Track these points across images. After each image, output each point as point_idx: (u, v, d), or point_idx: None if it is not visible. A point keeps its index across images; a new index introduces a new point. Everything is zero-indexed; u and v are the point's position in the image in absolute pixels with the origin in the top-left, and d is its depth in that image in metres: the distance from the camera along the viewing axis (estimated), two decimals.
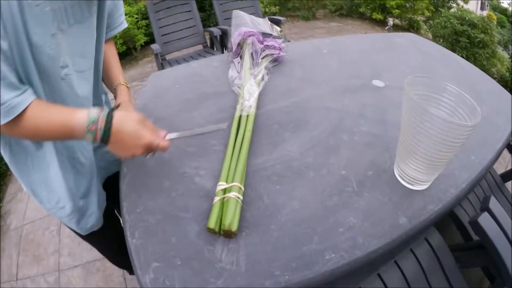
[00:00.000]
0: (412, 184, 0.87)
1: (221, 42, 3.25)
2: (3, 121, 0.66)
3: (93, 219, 1.07)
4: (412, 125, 0.77)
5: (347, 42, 1.86)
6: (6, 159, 0.91)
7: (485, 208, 0.99)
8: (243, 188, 0.84)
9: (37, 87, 0.74)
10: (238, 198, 0.79)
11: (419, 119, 0.74)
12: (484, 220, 0.94)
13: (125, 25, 1.07)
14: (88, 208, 1.05)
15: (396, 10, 7.11)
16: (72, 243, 2.12)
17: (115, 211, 1.29)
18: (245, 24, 1.54)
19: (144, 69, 4.32)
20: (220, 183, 0.84)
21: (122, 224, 0.81)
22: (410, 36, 2.02)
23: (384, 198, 0.85)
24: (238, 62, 1.39)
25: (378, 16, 7.23)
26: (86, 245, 1.10)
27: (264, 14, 3.96)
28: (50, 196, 0.96)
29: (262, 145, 1.01)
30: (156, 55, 2.95)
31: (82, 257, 2.02)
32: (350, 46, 1.78)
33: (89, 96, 0.92)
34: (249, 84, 1.20)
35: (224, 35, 3.14)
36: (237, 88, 1.25)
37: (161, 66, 3.00)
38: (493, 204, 1.00)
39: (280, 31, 1.59)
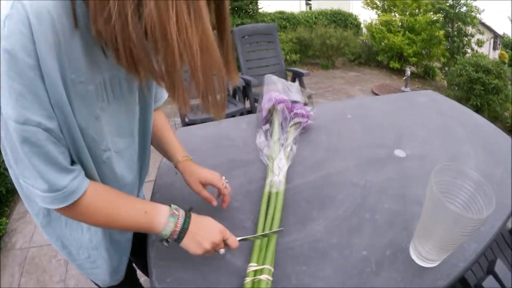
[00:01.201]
0: (424, 262, 0.93)
1: (243, 93, 3.34)
2: (61, 206, 0.68)
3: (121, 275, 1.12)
4: (431, 213, 0.83)
5: (371, 104, 1.95)
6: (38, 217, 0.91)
7: (490, 271, 1.02)
8: (273, 270, 0.90)
9: (88, 168, 0.74)
10: (269, 280, 0.86)
11: (436, 209, 0.80)
12: (488, 283, 0.98)
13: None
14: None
15: (413, 58, 7.21)
16: (80, 276, 2.13)
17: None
18: (276, 89, 1.62)
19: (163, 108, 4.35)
20: (251, 264, 0.90)
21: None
22: (430, 94, 2.10)
23: (398, 276, 0.90)
24: (267, 129, 1.47)
25: (395, 64, 7.37)
26: None
27: (285, 62, 4.06)
28: (80, 251, 0.97)
29: (290, 224, 1.07)
30: None
31: None
32: (373, 109, 1.86)
33: (129, 174, 0.93)
34: (278, 158, 1.27)
35: (247, 86, 3.24)
36: (265, 159, 1.32)
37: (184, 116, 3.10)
38: (499, 267, 1.03)
39: (309, 96, 1.67)
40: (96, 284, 1.14)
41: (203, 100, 0.63)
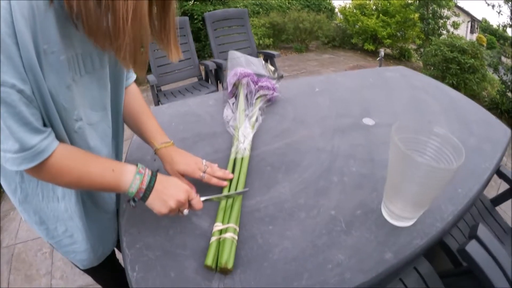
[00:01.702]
0: (398, 221, 0.93)
1: (215, 76, 3.34)
2: (31, 165, 0.70)
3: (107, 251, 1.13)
4: (399, 170, 0.83)
5: (339, 79, 1.95)
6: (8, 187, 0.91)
7: (473, 236, 1.01)
8: (238, 229, 0.91)
9: (60, 136, 0.77)
10: (234, 238, 0.86)
11: (405, 165, 0.80)
12: (472, 247, 0.97)
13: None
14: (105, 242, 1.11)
15: (388, 40, 7.25)
16: (65, 267, 2.14)
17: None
18: (240, 64, 1.63)
19: None
20: (216, 223, 0.91)
21: (122, 259, 0.87)
22: (400, 69, 2.11)
23: (370, 236, 0.90)
24: (233, 103, 1.47)
25: (369, 46, 7.40)
26: (79, 269, 1.14)
27: (258, 46, 4.08)
28: (58, 224, 0.97)
29: (256, 187, 1.08)
30: (152, 86, 3.03)
31: (75, 281, 2.04)
32: (342, 84, 1.88)
33: (102, 147, 0.94)
34: (243, 127, 1.28)
35: (219, 68, 3.25)
36: (232, 130, 1.32)
37: (157, 97, 3.08)
38: (481, 231, 1.02)
39: (274, 70, 1.68)
40: (78, 267, 1.14)
41: (130, 59, 0.71)
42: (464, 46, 5.54)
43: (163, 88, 3.38)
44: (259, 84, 1.54)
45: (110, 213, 1.10)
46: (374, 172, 1.14)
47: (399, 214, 0.91)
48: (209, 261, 0.81)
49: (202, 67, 3.52)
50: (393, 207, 0.92)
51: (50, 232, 0.99)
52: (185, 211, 0.88)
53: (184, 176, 1.01)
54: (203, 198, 0.93)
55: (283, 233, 0.92)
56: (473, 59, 5.44)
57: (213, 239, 0.86)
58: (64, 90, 0.72)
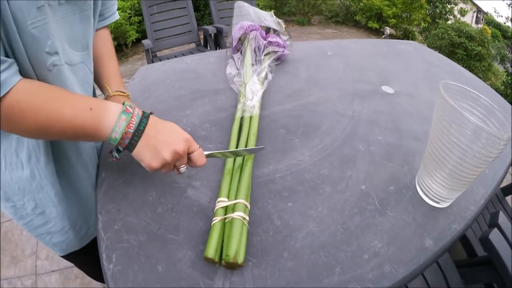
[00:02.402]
0: (436, 202, 0.77)
1: (215, 41, 3.13)
2: None
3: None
4: (446, 132, 0.67)
5: (351, 45, 1.75)
6: None
7: (494, 224, 0.98)
8: (249, 206, 0.69)
9: (28, 74, 0.60)
10: (244, 219, 0.64)
11: (455, 127, 0.65)
12: (494, 236, 0.93)
13: (117, 16, 0.92)
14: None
15: (393, 19, 7.12)
16: None
17: None
18: (247, 16, 1.39)
19: (133, 66, 4.19)
20: (220, 198, 0.69)
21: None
22: (413, 44, 1.94)
23: (408, 217, 0.74)
24: (238, 58, 1.25)
25: (374, 25, 7.24)
26: None
27: None
28: (25, 199, 0.79)
29: (269, 153, 0.87)
30: (147, 50, 2.85)
31: (60, 262, 1.90)
32: (354, 50, 1.67)
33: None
34: (251, 82, 1.06)
35: (219, 33, 3.03)
36: (237, 86, 1.11)
37: (152, 63, 2.86)
38: (502, 219, 1.00)
39: (286, 27, 1.45)
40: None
41: None
42: (472, 33, 5.50)
43: (159, 53, 3.16)
44: (269, 39, 1.32)
45: (94, 167, 0.89)
46: (402, 143, 0.96)
47: (436, 191, 0.76)
48: (211, 252, 0.59)
49: (201, 33, 3.28)
50: (431, 181, 0.76)
51: (18, 211, 0.81)
52: (182, 168, 0.68)
53: None
54: (206, 153, 0.71)
55: (307, 211, 0.71)
56: (480, 47, 5.34)
57: (216, 220, 0.64)
58: (35, 12, 0.55)
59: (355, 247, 0.66)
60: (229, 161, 0.78)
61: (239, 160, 0.79)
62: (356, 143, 0.93)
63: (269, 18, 1.41)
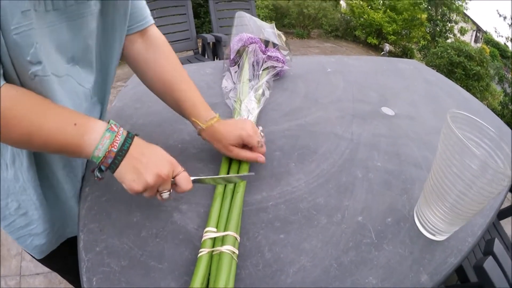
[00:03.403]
0: (433, 235, 0.75)
1: (213, 50, 3.09)
2: None
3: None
4: (449, 164, 0.65)
5: (352, 62, 1.73)
6: None
7: (489, 251, 0.98)
8: (239, 239, 0.65)
9: (12, 81, 0.56)
10: (234, 253, 0.60)
11: (460, 160, 0.62)
12: (489, 265, 0.92)
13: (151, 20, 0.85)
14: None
15: (392, 36, 7.16)
16: None
17: None
18: (247, 27, 1.35)
19: (131, 69, 4.07)
20: (208, 228, 0.64)
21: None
22: (413, 62, 1.93)
23: (405, 251, 0.70)
24: (235, 72, 1.22)
25: (373, 40, 7.28)
26: None
27: None
28: (9, 199, 0.76)
29: (262, 178, 0.83)
30: None
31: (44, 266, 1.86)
32: (355, 67, 1.65)
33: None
34: (248, 99, 1.02)
35: (218, 42, 2.99)
36: (231, 102, 1.07)
37: None
38: (497, 247, 0.99)
39: (286, 41, 1.41)
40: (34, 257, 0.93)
41: None
42: (472, 52, 5.52)
43: None
44: (268, 53, 1.28)
45: (78, 179, 0.84)
46: (401, 170, 0.93)
47: (435, 225, 0.74)
48: (197, 283, 0.55)
49: (199, 41, 3.25)
50: (430, 213, 0.74)
51: (1, 211, 0.77)
52: (165, 194, 0.64)
53: (243, 147, 0.81)
54: (192, 178, 0.67)
55: (299, 244, 0.68)
56: (479, 67, 5.36)
57: (203, 252, 0.60)
58: (19, 17, 0.51)
59: (349, 283, 0.62)
60: (220, 187, 0.74)
61: (230, 185, 0.75)
62: (355, 169, 0.90)
63: (269, 31, 1.37)
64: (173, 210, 0.71)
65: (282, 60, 1.31)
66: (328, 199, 0.79)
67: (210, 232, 0.63)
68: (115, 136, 0.59)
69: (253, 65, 1.23)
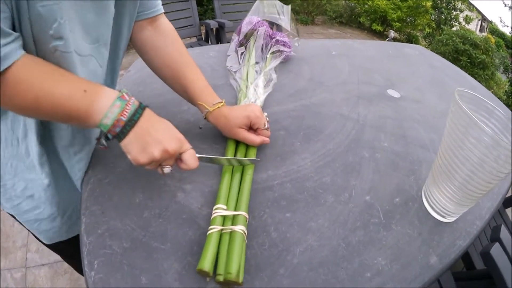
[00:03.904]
0: (443, 216, 0.72)
1: (216, 36, 3.05)
2: None
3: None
4: (459, 144, 0.62)
5: (357, 46, 1.69)
6: None
7: (496, 238, 0.97)
8: (248, 218, 0.63)
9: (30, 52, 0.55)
10: (245, 233, 0.58)
11: (469, 138, 0.60)
12: (496, 251, 0.92)
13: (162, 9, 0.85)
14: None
15: (397, 23, 7.06)
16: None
17: None
18: (262, 13, 1.35)
19: (134, 57, 4.05)
20: (219, 205, 0.62)
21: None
22: (419, 48, 1.89)
23: (413, 232, 0.68)
24: (242, 53, 1.19)
25: (377, 27, 7.19)
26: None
27: None
28: (16, 179, 0.75)
29: (267, 156, 0.81)
30: None
31: (50, 256, 1.85)
32: (360, 51, 1.62)
33: None
34: (255, 84, 1.00)
35: (221, 28, 2.96)
36: (237, 83, 1.04)
37: None
38: (504, 234, 0.98)
39: (296, 27, 1.40)
40: (43, 243, 0.91)
41: None
42: (477, 40, 5.41)
43: None
44: (276, 38, 1.26)
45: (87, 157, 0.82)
46: (408, 151, 0.91)
47: (444, 206, 0.71)
48: (206, 264, 0.53)
49: (202, 28, 3.20)
50: (439, 194, 0.71)
51: (7, 192, 0.75)
52: (167, 169, 0.63)
53: (249, 130, 0.80)
54: (199, 155, 0.66)
55: (306, 223, 0.66)
56: (484, 55, 5.27)
57: (214, 229, 0.58)
58: None
59: (357, 264, 0.60)
60: (228, 166, 0.73)
61: (238, 165, 0.73)
62: (361, 150, 0.87)
63: (286, 13, 1.39)
64: (176, 189, 0.69)
65: (289, 45, 1.29)
66: (334, 178, 0.77)
67: (221, 210, 0.61)
68: (126, 105, 0.58)
69: (261, 48, 1.21)
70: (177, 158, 0.64)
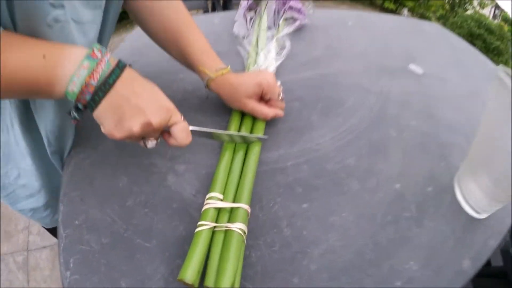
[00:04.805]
0: (477, 212, 0.60)
1: (223, 6, 2.91)
2: None
3: None
4: (501, 129, 0.51)
5: (373, 19, 1.53)
6: None
7: None
8: (249, 211, 0.50)
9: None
10: (244, 233, 0.45)
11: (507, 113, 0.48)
12: None
13: None
14: None
15: (410, 2, 6.90)
16: None
17: None
18: None
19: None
20: (212, 194, 0.49)
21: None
22: (437, 26, 1.72)
23: (447, 229, 0.55)
24: (251, 18, 1.05)
25: (390, 5, 7.00)
26: None
27: None
28: (9, 166, 0.66)
29: (279, 131, 0.67)
30: None
31: (51, 238, 1.82)
32: (377, 24, 1.45)
33: None
34: (266, 50, 0.86)
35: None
36: (246, 49, 0.91)
37: None
38: None
39: None
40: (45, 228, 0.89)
41: None
42: (492, 26, 5.18)
43: None
44: (289, 4, 1.12)
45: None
46: (437, 133, 0.76)
47: (479, 200, 0.59)
48: (189, 274, 0.40)
49: (209, 2, 3.05)
50: (475, 186, 0.59)
51: (1, 179, 0.69)
52: (151, 143, 0.50)
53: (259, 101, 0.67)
54: (192, 128, 0.52)
55: (327, 217, 0.52)
56: (499, 41, 5.07)
57: (204, 227, 0.45)
58: None
59: (386, 270, 0.48)
60: (229, 145, 0.59)
61: (242, 143, 0.59)
62: (387, 127, 0.73)
63: None
64: (167, 171, 0.56)
65: (303, 12, 1.16)
66: (359, 160, 0.63)
67: (215, 200, 0.48)
68: (97, 65, 0.44)
69: (274, 13, 1.07)
70: (165, 131, 0.50)
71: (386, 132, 0.71)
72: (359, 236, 0.50)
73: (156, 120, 0.46)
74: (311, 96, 0.78)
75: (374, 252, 0.49)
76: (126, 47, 0.98)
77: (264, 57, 0.83)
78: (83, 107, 0.46)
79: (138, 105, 0.45)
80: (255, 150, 0.58)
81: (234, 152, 0.57)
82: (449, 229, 0.55)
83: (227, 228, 0.45)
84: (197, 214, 0.49)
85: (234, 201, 0.49)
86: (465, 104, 0.91)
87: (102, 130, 0.47)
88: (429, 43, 1.36)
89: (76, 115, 0.47)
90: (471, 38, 5.26)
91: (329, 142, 0.66)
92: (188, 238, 0.46)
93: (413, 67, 1.05)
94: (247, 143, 0.59)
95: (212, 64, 0.66)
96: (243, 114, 0.67)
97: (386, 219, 0.54)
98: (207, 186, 0.53)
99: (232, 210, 0.48)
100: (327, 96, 0.79)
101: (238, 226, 0.44)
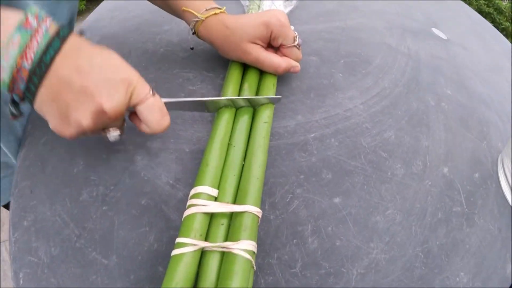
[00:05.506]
0: None
1: None
2: None
3: None
4: None
5: None
6: None
7: None
8: (260, 216, 0.32)
9: None
10: (253, 254, 0.28)
11: None
12: None
13: None
14: None
15: None
16: None
17: None
18: None
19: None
20: (200, 189, 0.31)
21: None
22: None
23: (494, 228, 0.42)
24: None
25: None
26: None
27: None
28: None
29: (294, 93, 0.50)
30: None
31: None
32: None
33: None
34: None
35: None
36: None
37: None
38: None
39: None
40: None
41: None
42: (501, 6, 5.01)
43: None
44: None
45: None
46: (473, 106, 0.61)
47: None
48: None
49: None
50: None
51: None
52: (113, 133, 0.35)
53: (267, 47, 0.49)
54: (168, 100, 0.36)
55: (368, 218, 0.37)
56: (508, 23, 4.92)
57: (185, 249, 0.27)
58: None
59: (438, 285, 0.35)
60: (227, 110, 0.41)
61: (245, 115, 0.41)
62: (424, 94, 0.57)
63: None
64: (135, 149, 0.39)
65: None
66: (400, 134, 0.47)
67: (205, 198, 0.31)
68: (31, 37, 0.30)
69: None
70: (131, 111, 0.36)
71: (424, 100, 0.56)
72: (408, 243, 0.35)
73: (111, 104, 0.32)
74: (331, 51, 0.62)
75: (425, 264, 0.35)
76: (106, 6, 0.81)
77: (270, 3, 0.66)
78: (19, 100, 0.33)
79: (84, 88, 0.32)
80: (265, 116, 0.40)
81: (234, 120, 0.40)
82: (496, 227, 0.43)
83: (226, 250, 0.28)
84: (176, 215, 0.34)
85: (235, 200, 0.32)
86: (490, 78, 0.76)
87: (50, 127, 0.34)
88: (449, 11, 1.22)
89: (13, 110, 0.34)
90: (480, 16, 5.14)
91: (361, 108, 0.49)
92: (162, 254, 0.31)
93: (436, 31, 0.91)
94: (253, 107, 0.42)
95: (200, 4, 0.48)
96: (245, 67, 0.49)
97: (436, 217, 0.39)
98: (193, 173, 0.37)
99: (232, 216, 0.31)
100: (350, 52, 0.62)
101: (244, 247, 0.27)
